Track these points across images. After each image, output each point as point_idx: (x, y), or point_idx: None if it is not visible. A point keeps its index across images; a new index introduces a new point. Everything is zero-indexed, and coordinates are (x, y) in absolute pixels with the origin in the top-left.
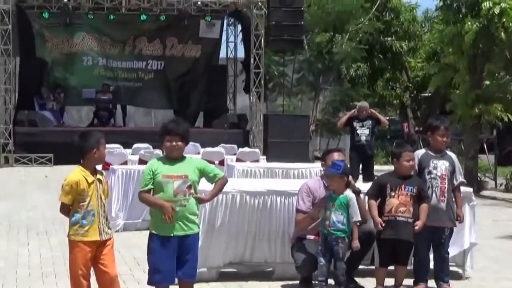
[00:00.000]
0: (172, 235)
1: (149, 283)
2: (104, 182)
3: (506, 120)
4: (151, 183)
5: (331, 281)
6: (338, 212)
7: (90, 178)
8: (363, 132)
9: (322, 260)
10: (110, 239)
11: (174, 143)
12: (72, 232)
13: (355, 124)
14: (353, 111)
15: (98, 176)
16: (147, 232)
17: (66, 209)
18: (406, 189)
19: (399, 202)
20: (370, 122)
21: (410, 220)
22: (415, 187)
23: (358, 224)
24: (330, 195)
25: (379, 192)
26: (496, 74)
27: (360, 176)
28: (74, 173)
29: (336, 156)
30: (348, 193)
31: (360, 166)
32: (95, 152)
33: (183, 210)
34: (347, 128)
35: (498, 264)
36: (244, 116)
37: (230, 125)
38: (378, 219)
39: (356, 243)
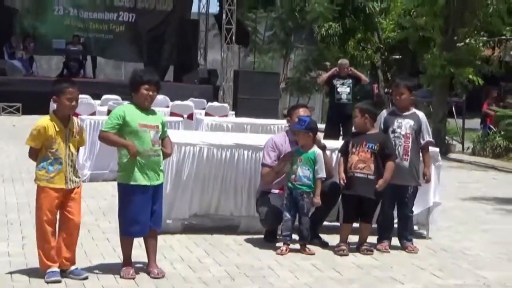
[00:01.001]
0: (150, 184)
1: (126, 234)
2: (76, 132)
3: (477, 84)
4: (116, 129)
5: (295, 236)
6: (305, 167)
7: (59, 126)
8: (344, 90)
9: (287, 215)
10: (78, 187)
11: (151, 93)
12: (38, 177)
13: (335, 82)
14: (334, 69)
15: (70, 125)
16: (113, 183)
17: (34, 153)
18: (367, 146)
19: (358, 158)
20: (351, 80)
21: (371, 177)
22: (376, 144)
23: (323, 180)
24: (297, 149)
25: (346, 149)
26: (468, 39)
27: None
28: (44, 119)
29: (301, 112)
30: (316, 149)
31: (340, 125)
32: (55, 99)
33: (158, 160)
34: (326, 88)
35: (462, 226)
36: (215, 71)
37: (200, 80)
38: (341, 175)
39: (317, 200)
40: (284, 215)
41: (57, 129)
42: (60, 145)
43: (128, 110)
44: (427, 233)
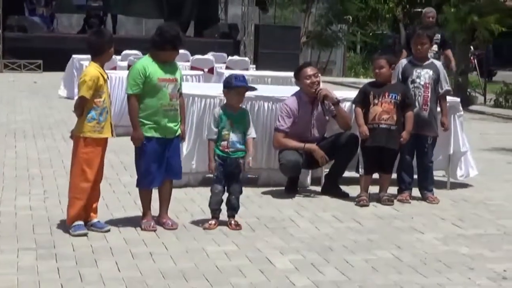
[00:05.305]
0: (165, 137)
1: (140, 186)
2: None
3: (500, 31)
4: (141, 88)
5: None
6: (237, 130)
7: (105, 75)
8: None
9: (218, 188)
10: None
11: (176, 52)
12: (87, 129)
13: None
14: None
15: (106, 75)
16: None
17: (83, 105)
18: (390, 97)
19: (382, 109)
20: (439, 35)
21: (394, 128)
22: (399, 94)
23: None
24: (224, 112)
25: (363, 100)
26: None
27: None
28: (91, 69)
29: (309, 71)
30: (244, 108)
31: None
32: (110, 52)
33: (175, 114)
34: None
35: (483, 176)
36: (235, 26)
37: (221, 35)
38: (364, 128)
39: (250, 161)
40: (214, 188)
41: (104, 78)
42: (105, 94)
43: (148, 65)
44: (448, 184)
